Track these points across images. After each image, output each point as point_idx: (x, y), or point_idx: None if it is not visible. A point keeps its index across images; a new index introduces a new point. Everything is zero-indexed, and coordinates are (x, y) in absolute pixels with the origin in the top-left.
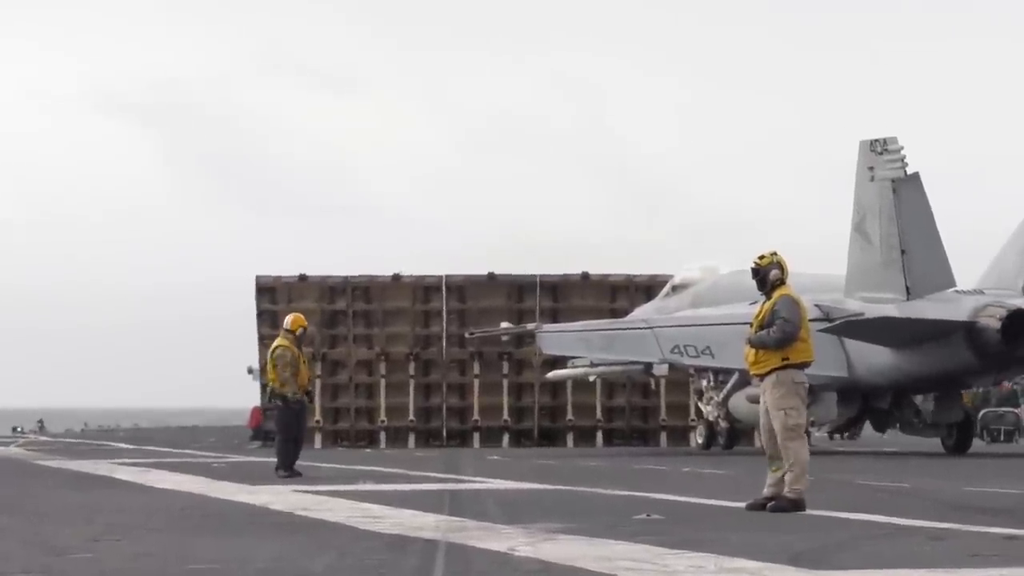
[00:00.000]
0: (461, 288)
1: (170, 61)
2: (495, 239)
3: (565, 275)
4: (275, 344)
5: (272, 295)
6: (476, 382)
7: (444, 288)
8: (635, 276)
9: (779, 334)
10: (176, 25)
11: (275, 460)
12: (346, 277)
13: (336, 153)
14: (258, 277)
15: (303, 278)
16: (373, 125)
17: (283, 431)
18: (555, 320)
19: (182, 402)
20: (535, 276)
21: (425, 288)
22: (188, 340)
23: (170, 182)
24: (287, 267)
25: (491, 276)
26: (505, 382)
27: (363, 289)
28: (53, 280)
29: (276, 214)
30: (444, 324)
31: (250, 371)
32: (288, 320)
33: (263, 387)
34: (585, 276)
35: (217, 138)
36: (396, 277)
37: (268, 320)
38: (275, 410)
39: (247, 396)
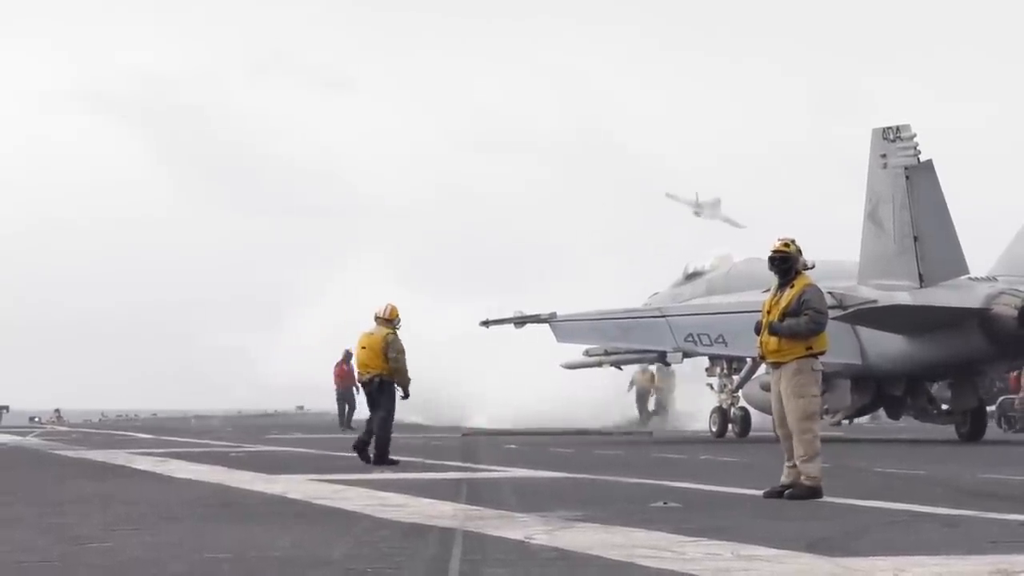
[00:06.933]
0: None
1: (159, 59)
2: (492, 236)
3: None
4: (384, 332)
5: None
6: None
7: None
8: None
9: (813, 325)
10: (163, 14)
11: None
12: None
13: (330, 154)
14: None
15: None
16: (369, 124)
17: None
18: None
19: (185, 406)
20: None
21: None
22: (190, 343)
23: (165, 182)
24: (287, 271)
25: None
26: None
27: None
28: (54, 283)
29: (271, 214)
30: None
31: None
32: (386, 309)
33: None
34: None
35: (210, 137)
36: None
37: None
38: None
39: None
